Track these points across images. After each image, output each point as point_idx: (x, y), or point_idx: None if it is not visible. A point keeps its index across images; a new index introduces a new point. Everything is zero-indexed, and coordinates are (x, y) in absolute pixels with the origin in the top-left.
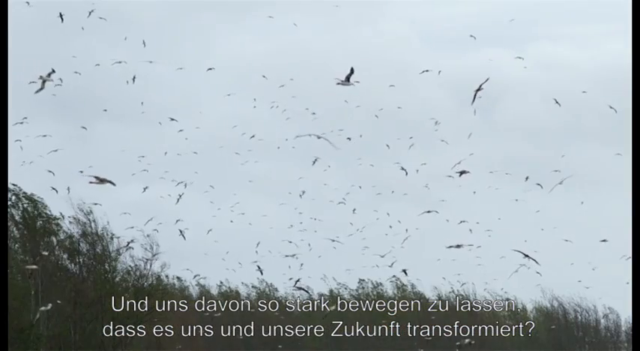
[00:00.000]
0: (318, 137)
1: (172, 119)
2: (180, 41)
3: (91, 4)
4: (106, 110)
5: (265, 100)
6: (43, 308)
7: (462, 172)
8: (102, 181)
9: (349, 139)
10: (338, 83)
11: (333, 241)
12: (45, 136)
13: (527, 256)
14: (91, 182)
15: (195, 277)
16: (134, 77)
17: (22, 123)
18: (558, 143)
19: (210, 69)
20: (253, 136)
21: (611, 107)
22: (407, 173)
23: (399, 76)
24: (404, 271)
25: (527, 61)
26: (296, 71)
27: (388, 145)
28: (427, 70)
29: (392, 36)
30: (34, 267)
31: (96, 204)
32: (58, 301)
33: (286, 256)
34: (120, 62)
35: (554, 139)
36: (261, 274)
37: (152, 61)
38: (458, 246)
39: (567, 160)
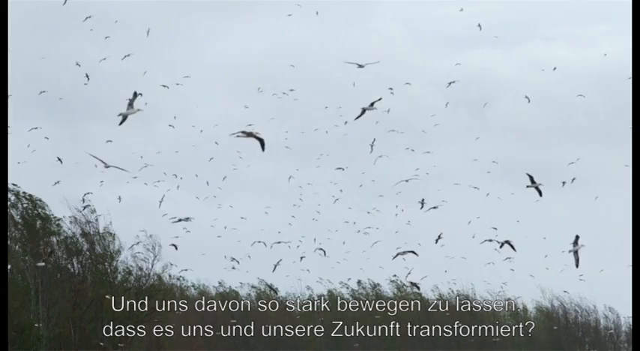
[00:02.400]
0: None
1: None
2: (172, 42)
3: (80, 4)
4: (138, 94)
5: (257, 100)
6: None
7: (503, 244)
8: (249, 135)
9: (372, 146)
10: (365, 109)
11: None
12: (36, 128)
13: (502, 244)
14: (237, 136)
15: (180, 272)
16: (103, 59)
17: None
18: (553, 143)
19: (184, 78)
20: (251, 125)
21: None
22: (422, 206)
23: (392, 76)
24: (438, 237)
25: (521, 61)
26: (288, 71)
27: (413, 149)
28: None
29: (383, 36)
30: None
31: (88, 193)
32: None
33: (277, 242)
34: (129, 55)
35: (548, 140)
36: (272, 271)
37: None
38: (490, 240)
39: (562, 161)
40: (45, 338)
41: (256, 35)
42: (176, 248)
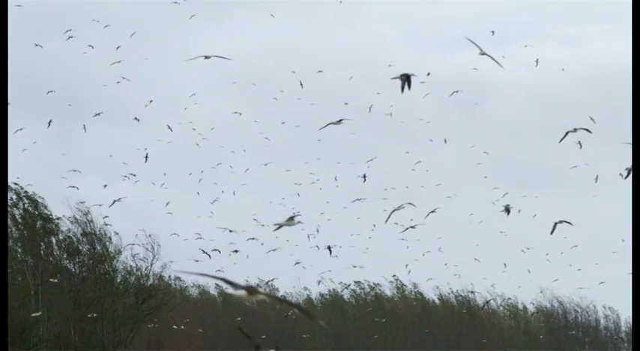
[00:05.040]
0: None
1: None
2: (163, 42)
3: (72, 5)
4: (99, 114)
5: (248, 100)
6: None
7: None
8: (404, 77)
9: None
10: (331, 123)
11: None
12: (22, 129)
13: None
14: (393, 78)
15: (176, 277)
16: (119, 81)
17: None
18: (546, 143)
19: (192, 94)
20: (234, 112)
21: None
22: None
23: (384, 77)
24: (432, 210)
25: (513, 62)
26: (278, 71)
27: (408, 151)
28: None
29: (375, 37)
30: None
31: (72, 182)
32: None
33: (240, 238)
34: (119, 62)
35: (541, 140)
36: (330, 253)
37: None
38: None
39: (559, 161)
40: (45, 338)
41: (246, 35)
42: (210, 257)
